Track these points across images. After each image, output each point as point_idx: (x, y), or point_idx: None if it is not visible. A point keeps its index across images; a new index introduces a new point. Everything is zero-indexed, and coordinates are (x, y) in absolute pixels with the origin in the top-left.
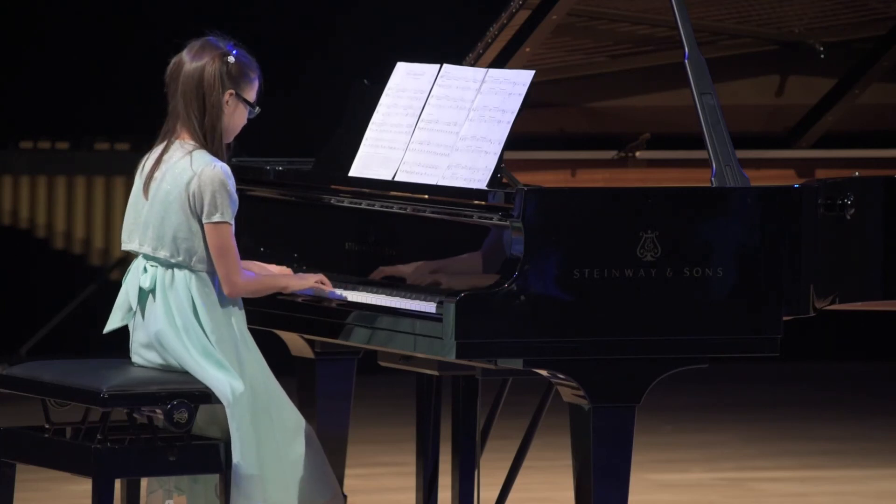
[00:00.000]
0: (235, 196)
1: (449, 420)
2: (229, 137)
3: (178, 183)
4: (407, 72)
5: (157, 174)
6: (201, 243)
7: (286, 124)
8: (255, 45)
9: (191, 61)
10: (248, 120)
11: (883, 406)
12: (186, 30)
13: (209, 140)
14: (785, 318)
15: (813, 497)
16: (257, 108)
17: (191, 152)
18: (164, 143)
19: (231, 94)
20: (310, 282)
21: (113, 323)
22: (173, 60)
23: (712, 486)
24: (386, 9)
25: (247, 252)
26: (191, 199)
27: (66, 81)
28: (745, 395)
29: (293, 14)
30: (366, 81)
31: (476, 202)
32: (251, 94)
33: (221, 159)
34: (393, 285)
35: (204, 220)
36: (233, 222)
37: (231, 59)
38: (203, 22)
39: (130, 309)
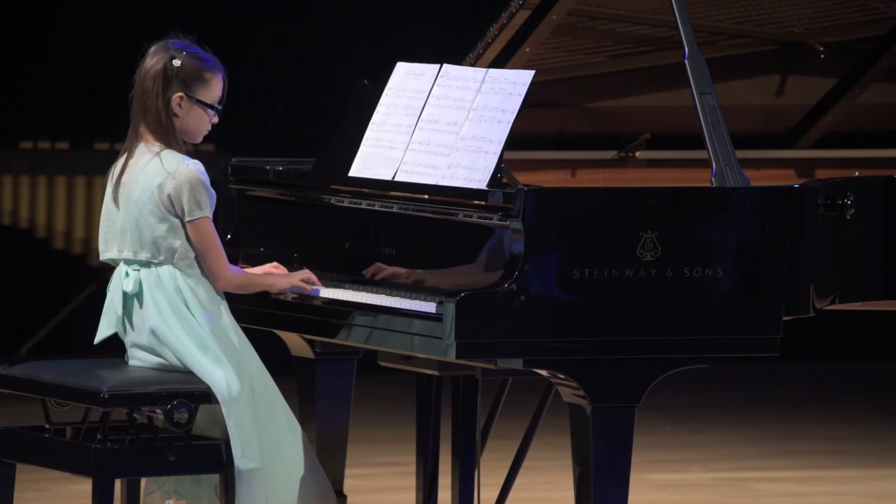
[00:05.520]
0: (212, 190)
1: (449, 420)
2: (194, 139)
3: (150, 185)
4: (407, 72)
5: (126, 179)
6: (181, 241)
7: (286, 124)
8: (255, 46)
9: (145, 64)
10: (217, 119)
11: (883, 406)
12: (185, 31)
13: (169, 142)
14: (785, 318)
15: (813, 497)
16: (218, 107)
17: (158, 153)
18: (129, 150)
19: (181, 97)
20: (295, 280)
21: (101, 333)
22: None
23: (712, 486)
24: (386, 9)
25: (247, 252)
26: (166, 199)
27: (66, 82)
28: (745, 395)
29: (293, 14)
30: (366, 81)
31: (476, 202)
32: (208, 95)
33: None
34: (393, 285)
35: (186, 219)
36: (211, 216)
37: (177, 61)
38: (203, 22)
39: (117, 316)
